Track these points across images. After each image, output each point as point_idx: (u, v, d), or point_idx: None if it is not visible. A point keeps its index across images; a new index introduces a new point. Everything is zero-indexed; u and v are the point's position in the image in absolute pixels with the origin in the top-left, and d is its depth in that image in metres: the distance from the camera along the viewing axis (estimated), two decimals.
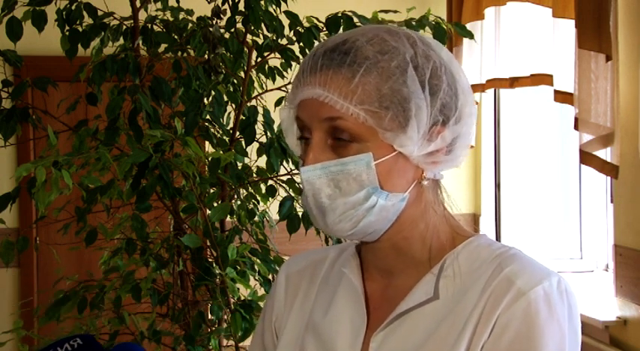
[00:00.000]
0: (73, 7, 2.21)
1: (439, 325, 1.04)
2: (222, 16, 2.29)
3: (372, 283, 1.13)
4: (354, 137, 1.02)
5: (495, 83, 3.67)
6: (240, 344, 2.20)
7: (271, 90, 2.42)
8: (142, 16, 2.32)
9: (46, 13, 2.19)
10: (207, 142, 2.42)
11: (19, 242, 2.16)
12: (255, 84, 2.49)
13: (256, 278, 2.30)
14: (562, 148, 4.11)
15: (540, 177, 4.19)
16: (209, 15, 2.31)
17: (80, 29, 2.24)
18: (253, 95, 2.42)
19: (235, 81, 2.42)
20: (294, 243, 2.23)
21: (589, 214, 3.76)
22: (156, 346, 2.26)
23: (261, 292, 2.32)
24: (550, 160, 4.17)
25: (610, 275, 3.22)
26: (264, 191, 2.40)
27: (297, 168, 2.29)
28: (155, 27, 2.33)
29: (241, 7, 2.28)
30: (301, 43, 2.26)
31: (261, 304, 2.22)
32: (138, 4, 2.29)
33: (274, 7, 2.28)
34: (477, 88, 3.70)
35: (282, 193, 2.31)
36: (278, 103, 2.43)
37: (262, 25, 2.27)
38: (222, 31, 2.29)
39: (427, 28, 2.30)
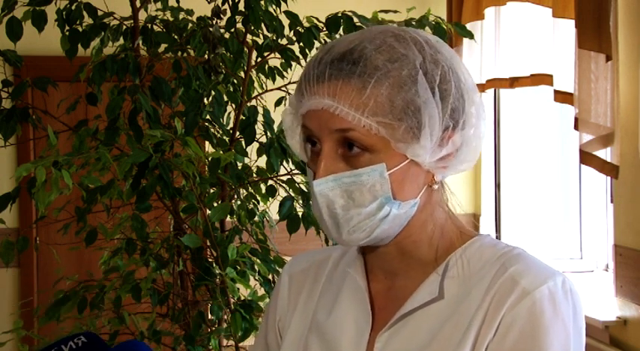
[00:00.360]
0: (73, 7, 2.21)
1: (444, 325, 1.04)
2: (222, 16, 2.29)
3: (377, 284, 1.13)
4: (366, 148, 1.01)
5: (495, 83, 3.67)
6: (240, 344, 2.20)
7: (271, 90, 2.42)
8: (142, 16, 2.32)
9: (46, 13, 2.19)
10: (207, 142, 2.42)
11: (19, 242, 2.16)
12: (255, 84, 2.49)
13: (256, 278, 2.30)
14: (562, 148, 4.11)
15: (540, 177, 4.19)
16: (209, 15, 2.31)
17: (80, 29, 2.23)
18: (253, 95, 2.42)
19: (235, 81, 2.41)
20: (294, 243, 2.23)
21: (589, 214, 3.76)
22: (156, 346, 2.26)
23: (261, 292, 2.32)
24: (550, 160, 4.17)
25: (610, 275, 3.22)
26: (264, 191, 2.40)
27: (297, 168, 2.29)
28: (155, 27, 2.32)
29: (241, 7, 2.28)
30: (301, 43, 2.26)
31: (262, 304, 2.22)
32: (138, 4, 2.29)
33: (274, 7, 2.28)
34: (477, 88, 3.69)
35: (282, 193, 2.31)
36: (278, 103, 2.43)
37: (262, 25, 2.27)
38: (222, 31, 2.29)
39: (427, 28, 2.29)
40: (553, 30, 3.11)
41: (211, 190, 2.24)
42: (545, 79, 3.25)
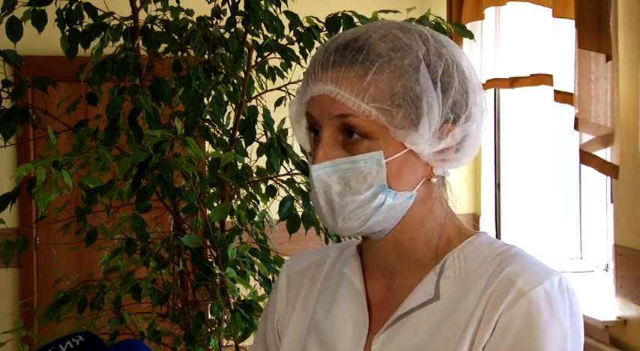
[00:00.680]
0: (73, 7, 2.21)
1: (441, 326, 1.04)
2: (222, 16, 2.29)
3: (374, 284, 1.13)
4: (365, 134, 1.02)
5: (495, 83, 3.67)
6: (240, 344, 2.20)
7: (271, 90, 2.42)
8: (142, 16, 2.32)
9: (46, 13, 2.19)
10: (207, 142, 2.42)
11: (19, 242, 2.16)
12: (255, 84, 2.49)
13: (256, 278, 2.30)
14: (562, 148, 4.11)
15: (540, 177, 4.19)
16: (209, 15, 2.31)
17: (80, 29, 2.23)
18: (253, 95, 2.42)
19: (235, 81, 2.41)
20: (294, 243, 2.23)
21: (589, 214, 3.76)
22: (156, 346, 2.26)
23: (261, 292, 2.32)
24: (550, 160, 4.17)
25: (610, 275, 3.22)
26: (264, 191, 2.40)
27: (297, 168, 2.29)
28: (155, 27, 2.32)
29: (241, 7, 2.28)
30: (301, 43, 2.26)
31: (262, 304, 2.22)
32: (138, 4, 2.29)
33: (274, 7, 2.28)
34: None
35: (282, 193, 2.31)
36: (278, 103, 2.43)
37: (262, 25, 2.27)
38: (222, 31, 2.29)
39: (427, 28, 2.29)
40: (553, 30, 3.11)
41: (211, 190, 2.24)
42: (545, 79, 3.25)
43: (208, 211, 2.13)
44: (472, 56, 3.77)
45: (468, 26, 3.40)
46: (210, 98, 2.29)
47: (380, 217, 1.04)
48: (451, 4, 3.95)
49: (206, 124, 2.37)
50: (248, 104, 2.30)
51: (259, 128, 2.28)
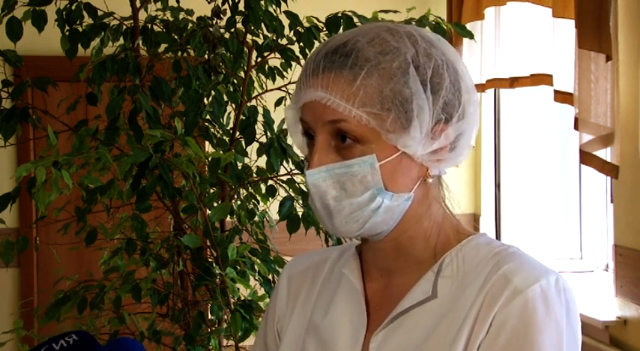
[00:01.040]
0: (73, 7, 2.21)
1: (438, 324, 1.04)
2: (222, 16, 2.29)
3: (373, 284, 1.13)
4: (357, 139, 1.02)
5: (495, 83, 3.67)
6: (240, 344, 2.20)
7: (271, 90, 2.42)
8: (142, 16, 2.32)
9: (46, 13, 2.19)
10: (207, 142, 2.42)
11: (19, 242, 2.16)
12: (255, 84, 2.49)
13: (256, 278, 2.30)
14: (562, 148, 4.11)
15: (540, 177, 4.19)
16: (209, 15, 2.31)
17: (80, 29, 2.23)
18: (253, 95, 2.42)
19: (235, 81, 2.42)
20: (294, 243, 2.23)
21: (589, 214, 3.76)
22: (156, 346, 2.26)
23: (261, 292, 2.32)
24: (550, 160, 4.17)
25: (610, 275, 3.22)
26: (264, 191, 2.40)
27: (297, 168, 2.29)
28: (155, 27, 2.33)
29: (241, 7, 2.28)
30: (301, 43, 2.26)
31: (262, 304, 2.22)
32: (138, 4, 2.29)
33: (274, 7, 2.28)
34: (477, 88, 3.69)
35: (282, 193, 2.31)
36: (278, 103, 2.43)
37: (262, 25, 2.27)
38: (222, 31, 2.29)
39: (427, 28, 2.30)
40: (553, 30, 3.11)
41: (211, 190, 2.24)
42: (545, 79, 3.25)
43: (208, 211, 2.13)
44: (472, 56, 3.77)
45: (468, 26, 3.39)
46: (210, 98, 2.29)
47: (378, 219, 1.04)
48: (451, 4, 3.95)
49: (206, 124, 2.37)
50: (248, 104, 2.30)
51: (259, 128, 2.28)
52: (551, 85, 3.15)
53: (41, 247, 3.83)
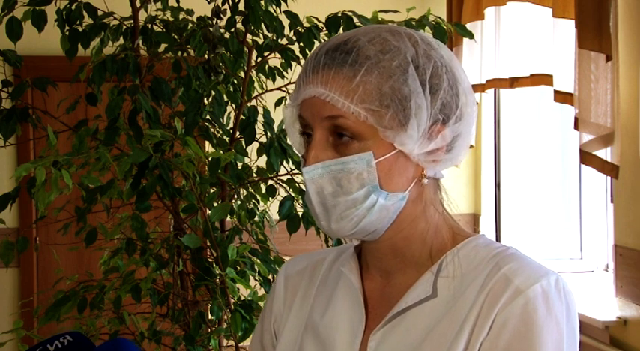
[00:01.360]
0: (73, 7, 2.21)
1: (437, 323, 1.05)
2: (222, 16, 2.29)
3: (371, 283, 1.13)
4: (355, 136, 1.03)
5: (495, 83, 3.67)
6: (240, 344, 2.20)
7: (271, 90, 2.42)
8: (142, 16, 2.32)
9: (46, 13, 2.19)
10: (207, 142, 2.42)
11: (19, 242, 2.16)
12: (255, 84, 2.49)
13: (256, 278, 2.30)
14: (562, 148, 4.11)
15: (540, 177, 4.19)
16: (209, 15, 2.31)
17: (80, 29, 2.24)
18: (253, 95, 2.42)
19: (235, 81, 2.42)
20: (294, 243, 2.23)
21: (589, 214, 3.75)
22: (156, 346, 2.26)
23: (261, 292, 2.32)
24: (550, 160, 4.17)
25: (610, 275, 3.22)
26: (264, 191, 2.40)
27: (297, 168, 2.29)
28: (155, 27, 2.33)
29: (241, 7, 2.28)
30: (301, 43, 2.26)
31: (261, 304, 2.22)
32: (138, 4, 2.29)
33: (274, 7, 2.28)
34: (477, 88, 3.69)
35: (282, 193, 2.31)
36: (278, 103, 2.43)
37: (262, 25, 2.28)
38: (222, 31, 2.29)
39: (427, 28, 2.30)
40: (553, 30, 3.11)
41: (211, 190, 2.24)
42: (545, 79, 3.25)
43: (208, 211, 2.13)
44: (472, 56, 3.77)
45: (468, 26, 3.39)
46: (210, 98, 2.29)
47: (372, 218, 1.05)
48: (451, 4, 3.95)
49: (206, 124, 2.37)
50: (248, 104, 2.30)
51: (259, 128, 2.29)
52: (551, 85, 3.15)
53: (41, 247, 3.83)
